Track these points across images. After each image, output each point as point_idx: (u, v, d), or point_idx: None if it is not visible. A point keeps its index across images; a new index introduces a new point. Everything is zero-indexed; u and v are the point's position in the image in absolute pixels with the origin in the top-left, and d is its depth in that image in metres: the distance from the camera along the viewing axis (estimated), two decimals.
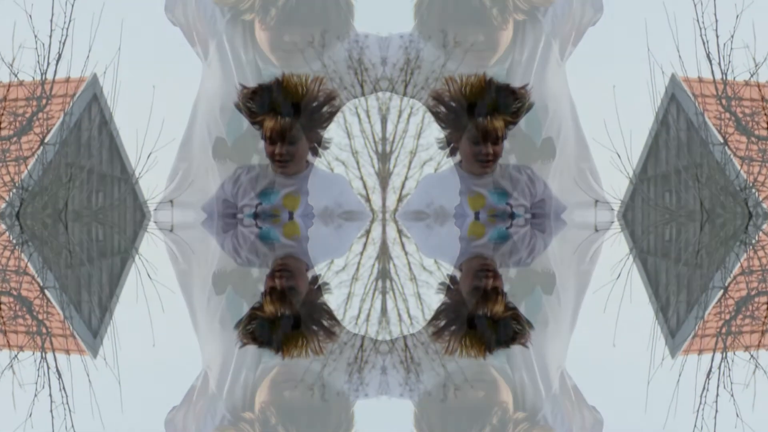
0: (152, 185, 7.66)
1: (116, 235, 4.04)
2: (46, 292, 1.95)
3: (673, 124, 9.02)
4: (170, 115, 7.58)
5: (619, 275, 2.20)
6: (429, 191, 5.48)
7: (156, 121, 7.33)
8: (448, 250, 2.91)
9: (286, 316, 1.60)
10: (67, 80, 7.82)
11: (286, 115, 5.13)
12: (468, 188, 5.35)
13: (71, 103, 7.98)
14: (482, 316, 1.62)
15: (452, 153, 5.34)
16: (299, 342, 1.37)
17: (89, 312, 1.70)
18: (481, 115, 5.12)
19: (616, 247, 3.11)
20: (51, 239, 3.54)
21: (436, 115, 5.23)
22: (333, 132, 5.72)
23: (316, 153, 5.33)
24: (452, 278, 2.15)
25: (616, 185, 7.53)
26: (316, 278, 2.08)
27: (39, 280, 2.18)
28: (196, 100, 8.24)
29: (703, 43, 7.39)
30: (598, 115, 7.25)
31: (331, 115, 5.30)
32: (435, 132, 5.72)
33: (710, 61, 7.47)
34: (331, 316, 1.58)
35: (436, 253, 2.86)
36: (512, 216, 5.30)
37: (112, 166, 10.53)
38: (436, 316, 1.62)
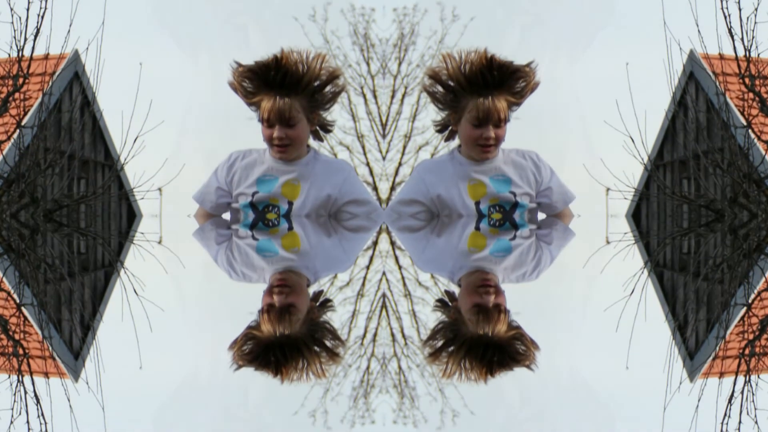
0: (139, 171, 7.58)
1: (100, 247, 4.03)
2: (23, 309, 1.94)
3: (692, 105, 8.96)
4: (158, 95, 7.51)
5: (632, 291, 2.20)
6: (425, 179, 5.36)
7: (143, 102, 7.24)
8: (445, 263, 2.90)
9: (285, 336, 1.59)
10: (46, 57, 7.73)
11: (285, 95, 5.01)
12: (467, 175, 5.24)
13: (50, 83, 7.88)
14: (483, 336, 1.61)
15: (450, 137, 5.22)
16: (299, 364, 1.36)
17: (70, 331, 1.70)
18: (483, 95, 5.00)
19: (629, 260, 3.10)
20: (29, 251, 3.53)
21: (433, 96, 5.10)
22: (336, 114, 5.59)
23: (318, 137, 5.22)
24: (450, 294, 2.14)
25: (629, 171, 7.43)
26: (318, 294, 2.07)
27: (15, 296, 2.17)
28: None
29: (725, 17, 7.29)
30: (609, 95, 7.19)
31: (335, 96, 5.17)
32: (431, 114, 5.57)
33: (732, 37, 7.37)
34: (334, 335, 1.57)
35: (433, 266, 2.85)
36: (516, 205, 5.20)
37: (96, 150, 10.49)
38: (433, 335, 1.61)
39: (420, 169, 5.50)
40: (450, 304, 1.99)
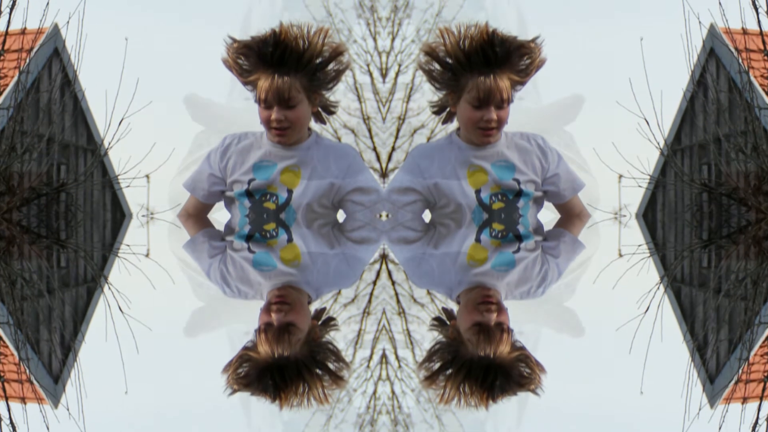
0: (124, 157, 7.50)
1: (82, 260, 4.02)
2: None
3: (712, 85, 8.90)
4: (145, 73, 7.43)
5: (647, 309, 2.20)
6: (420, 165, 5.29)
7: (129, 81, 7.16)
8: (443, 278, 2.89)
9: (284, 358, 1.58)
10: (23, 32, 7.68)
11: (284, 73, 4.94)
12: (467, 161, 5.17)
13: (28, 60, 7.82)
14: (484, 358, 1.60)
15: (448, 119, 5.15)
16: (300, 389, 1.36)
17: (49, 353, 1.69)
18: (483, 73, 4.93)
19: (643, 275, 3.10)
20: (3, 265, 3.53)
21: (430, 74, 5.02)
22: (340, 94, 5.47)
23: (320, 119, 5.16)
24: (448, 312, 2.14)
25: (644, 157, 7.35)
26: (320, 312, 2.07)
27: None
28: None
29: None
30: (623, 73, 7.11)
31: (338, 74, 5.08)
32: (428, 94, 5.45)
33: (756, 10, 7.32)
34: (338, 357, 1.57)
35: (429, 281, 2.84)
36: (520, 194, 5.15)
37: (77, 134, 10.42)
38: (429, 357, 1.60)
39: (415, 154, 5.42)
40: (448, 322, 1.98)
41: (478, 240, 4.35)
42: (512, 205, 5.20)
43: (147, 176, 7.72)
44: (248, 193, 5.14)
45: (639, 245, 5.07)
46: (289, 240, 4.38)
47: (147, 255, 4.16)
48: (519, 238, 4.63)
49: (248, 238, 4.60)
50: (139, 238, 5.86)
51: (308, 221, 5.15)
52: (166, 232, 6.24)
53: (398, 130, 9.11)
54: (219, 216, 5.84)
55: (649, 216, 9.67)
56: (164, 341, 1.84)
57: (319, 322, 1.93)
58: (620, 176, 7.68)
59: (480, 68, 4.85)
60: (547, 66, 4.98)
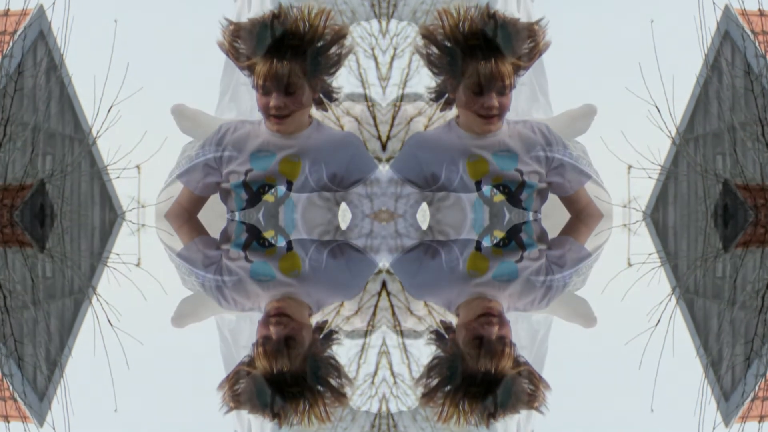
0: (114, 147, 7.47)
1: (69, 270, 4.03)
2: None
3: (727, 70, 8.88)
4: (136, 57, 7.39)
5: (658, 322, 2.20)
6: (418, 155, 5.27)
7: (119, 66, 7.12)
8: (441, 288, 2.90)
9: (283, 374, 1.58)
10: (6, 14, 7.67)
11: (283, 57, 4.91)
12: (467, 151, 5.14)
13: (11, 43, 7.80)
14: (485, 374, 1.60)
15: (447, 106, 5.12)
16: (300, 406, 1.35)
17: (34, 368, 1.69)
18: (484, 58, 4.90)
19: (654, 285, 3.10)
20: None
21: (427, 59, 4.99)
22: (343, 80, 5.44)
23: (321, 105, 5.13)
24: (447, 325, 2.14)
25: (654, 146, 7.30)
26: (321, 325, 2.07)
27: None
28: None
29: None
30: (632, 58, 7.06)
31: (341, 58, 5.06)
32: (425, 80, 5.41)
33: None
34: (340, 373, 1.56)
35: (427, 292, 2.84)
36: (523, 185, 5.11)
37: (64, 122, 10.41)
38: (427, 373, 1.60)
39: (412, 143, 5.40)
40: (446, 336, 1.98)
41: (478, 248, 4.34)
42: (514, 198, 5.17)
43: (137, 167, 7.66)
44: (245, 185, 5.11)
45: (650, 254, 5.07)
46: (289, 249, 4.37)
47: (138, 264, 4.15)
48: (522, 246, 4.62)
49: (245, 246, 4.59)
50: (129, 247, 5.86)
51: (308, 221, 5.14)
52: (155, 237, 6.24)
53: (393, 118, 9.07)
54: (217, 209, 5.81)
55: (660, 213, 9.64)
56: (155, 356, 1.84)
57: (321, 336, 1.93)
58: (630, 167, 7.62)
59: (480, 52, 4.83)
60: (552, 55, 4.98)
